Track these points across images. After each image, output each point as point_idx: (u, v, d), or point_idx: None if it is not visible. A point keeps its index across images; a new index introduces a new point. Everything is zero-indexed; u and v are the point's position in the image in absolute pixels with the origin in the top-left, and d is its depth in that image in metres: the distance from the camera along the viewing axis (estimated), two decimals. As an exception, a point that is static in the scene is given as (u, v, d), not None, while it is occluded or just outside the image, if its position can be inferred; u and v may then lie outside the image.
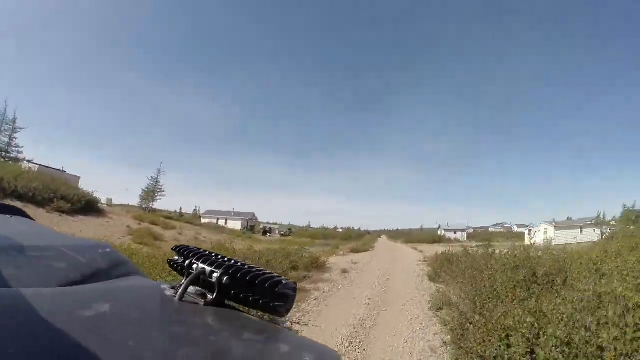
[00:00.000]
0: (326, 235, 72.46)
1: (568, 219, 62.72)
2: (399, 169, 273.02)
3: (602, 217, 72.91)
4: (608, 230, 62.94)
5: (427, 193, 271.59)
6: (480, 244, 55.30)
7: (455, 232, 78.57)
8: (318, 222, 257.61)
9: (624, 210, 66.54)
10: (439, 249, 43.19)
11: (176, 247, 0.90)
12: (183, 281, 0.76)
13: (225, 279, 0.73)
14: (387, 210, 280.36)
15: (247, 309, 0.80)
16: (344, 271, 16.23)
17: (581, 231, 56.75)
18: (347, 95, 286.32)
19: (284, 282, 0.77)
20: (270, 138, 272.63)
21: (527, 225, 69.69)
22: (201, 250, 0.86)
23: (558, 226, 55.27)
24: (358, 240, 65.25)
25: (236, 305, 0.80)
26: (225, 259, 0.81)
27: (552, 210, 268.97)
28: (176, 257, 0.86)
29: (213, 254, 0.84)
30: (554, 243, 54.90)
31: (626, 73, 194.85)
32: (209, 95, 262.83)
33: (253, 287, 0.73)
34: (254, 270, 0.77)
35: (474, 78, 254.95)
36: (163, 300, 0.75)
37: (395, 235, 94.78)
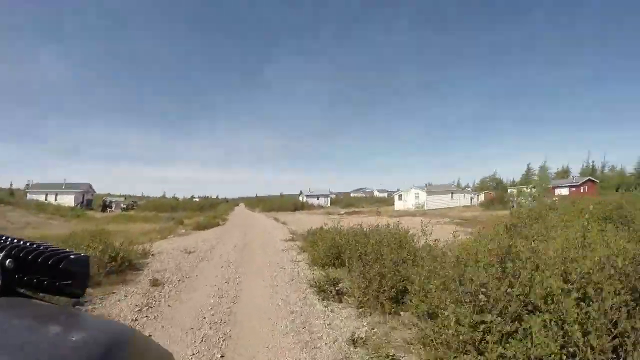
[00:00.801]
0: (176, 207, 62.26)
1: (428, 184, 63.04)
2: (257, 135, 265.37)
3: (459, 183, 77.01)
4: (476, 195, 65.99)
5: (286, 160, 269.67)
6: (348, 210, 52.12)
7: (317, 198, 75.17)
8: (175, 192, 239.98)
9: (483, 178, 72.86)
10: (304, 218, 37.83)
11: None
12: None
13: (8, 262, 0.64)
14: (247, 178, 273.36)
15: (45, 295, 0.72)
16: (156, 282, 8.62)
17: (452, 196, 57.37)
18: (200, 55, 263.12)
19: (71, 257, 0.69)
20: (119, 100, 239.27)
21: (394, 191, 68.62)
22: None
23: (430, 191, 54.70)
24: (211, 210, 57.19)
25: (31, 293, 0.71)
26: (15, 241, 0.71)
27: (410, 178, 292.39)
28: None
29: (3, 237, 0.71)
30: (426, 208, 54.63)
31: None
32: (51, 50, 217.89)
33: (40, 267, 0.66)
34: (41, 248, 0.70)
35: (340, 45, 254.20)
36: None
37: (254, 202, 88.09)
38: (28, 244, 0.69)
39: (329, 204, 74.71)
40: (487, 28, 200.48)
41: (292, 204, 61.40)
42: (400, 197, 57.41)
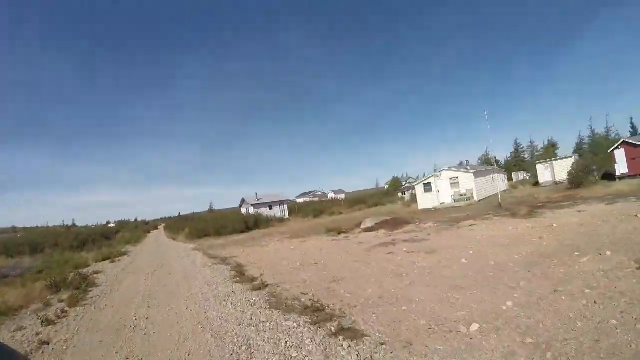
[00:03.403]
0: (40, 244, 36.07)
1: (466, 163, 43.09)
2: (174, 150, 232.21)
3: (493, 159, 58.42)
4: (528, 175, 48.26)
5: (208, 176, 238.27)
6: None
7: (270, 208, 51.63)
8: (91, 219, 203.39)
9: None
10: (312, 254, 14.12)
11: None
12: None
13: None
14: (167, 196, 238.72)
15: None
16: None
17: (492, 179, 37.69)
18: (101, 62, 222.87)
19: None
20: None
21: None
22: None
23: (478, 172, 34.38)
24: (102, 244, 33.12)
25: None
26: None
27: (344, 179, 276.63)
28: None
29: None
30: (476, 197, 34.22)
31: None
32: None
33: None
34: None
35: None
36: None
37: (177, 224, 60.90)
38: None
39: (286, 215, 52.09)
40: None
41: (240, 221, 37.59)
42: (427, 186, 35.66)
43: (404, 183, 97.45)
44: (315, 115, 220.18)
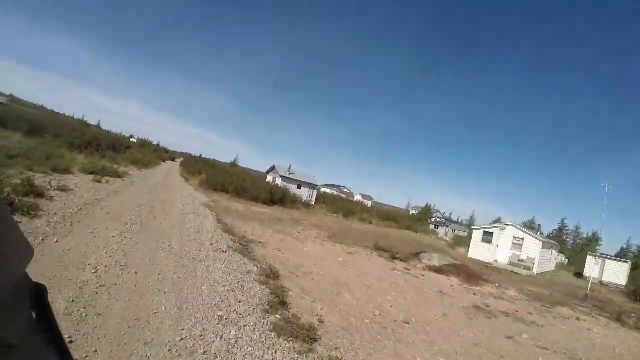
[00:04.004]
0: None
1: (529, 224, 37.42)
2: (219, 95, 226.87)
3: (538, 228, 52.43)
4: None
5: (240, 132, 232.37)
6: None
7: (299, 187, 45.66)
8: (118, 127, 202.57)
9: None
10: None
11: None
12: None
13: None
14: (199, 137, 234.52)
15: None
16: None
17: (551, 254, 32.31)
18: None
19: None
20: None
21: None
22: None
23: (546, 242, 29.37)
24: (105, 156, 28.22)
25: None
26: None
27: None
28: None
29: None
30: (535, 270, 27.78)
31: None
32: None
33: None
34: None
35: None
36: None
37: (196, 165, 54.37)
38: None
39: (313, 200, 46.28)
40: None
41: (266, 190, 31.42)
42: (487, 235, 29.47)
43: (434, 215, 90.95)
44: (365, 117, 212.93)
